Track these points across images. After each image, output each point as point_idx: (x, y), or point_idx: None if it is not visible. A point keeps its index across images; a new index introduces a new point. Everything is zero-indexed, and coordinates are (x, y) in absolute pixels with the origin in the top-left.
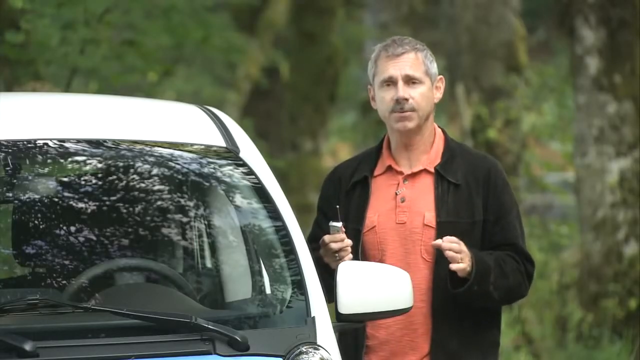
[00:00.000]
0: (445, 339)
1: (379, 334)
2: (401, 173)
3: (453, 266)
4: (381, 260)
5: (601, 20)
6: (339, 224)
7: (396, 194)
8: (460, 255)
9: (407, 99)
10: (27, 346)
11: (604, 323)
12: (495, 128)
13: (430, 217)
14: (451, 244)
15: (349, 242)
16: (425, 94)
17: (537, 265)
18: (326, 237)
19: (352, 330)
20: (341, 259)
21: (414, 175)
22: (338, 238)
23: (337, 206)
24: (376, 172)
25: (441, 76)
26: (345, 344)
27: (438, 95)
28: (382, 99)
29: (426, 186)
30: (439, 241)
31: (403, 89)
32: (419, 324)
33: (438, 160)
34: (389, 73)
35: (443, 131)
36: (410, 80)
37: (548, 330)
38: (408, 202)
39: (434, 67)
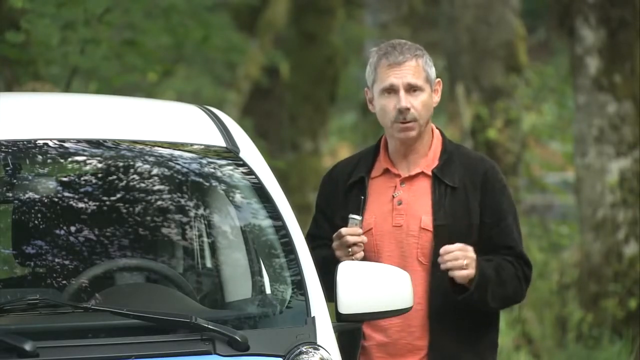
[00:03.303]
0: (443, 341)
1: (376, 336)
2: (398, 176)
3: (456, 273)
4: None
5: (601, 20)
6: (359, 217)
7: (393, 196)
8: (464, 261)
9: (409, 109)
10: (27, 346)
11: (604, 323)
12: (495, 128)
13: (427, 220)
14: (455, 252)
15: (364, 238)
16: (425, 101)
17: (537, 265)
18: (343, 230)
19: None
20: (353, 254)
21: (411, 178)
22: (356, 232)
23: (362, 197)
24: (373, 174)
25: (439, 79)
26: (341, 343)
27: (436, 98)
28: (384, 108)
29: (423, 189)
30: (446, 248)
31: (405, 98)
32: (416, 326)
33: (435, 163)
34: (391, 81)
35: (441, 132)
36: (411, 89)
37: (548, 330)
38: (405, 205)
39: (433, 72)
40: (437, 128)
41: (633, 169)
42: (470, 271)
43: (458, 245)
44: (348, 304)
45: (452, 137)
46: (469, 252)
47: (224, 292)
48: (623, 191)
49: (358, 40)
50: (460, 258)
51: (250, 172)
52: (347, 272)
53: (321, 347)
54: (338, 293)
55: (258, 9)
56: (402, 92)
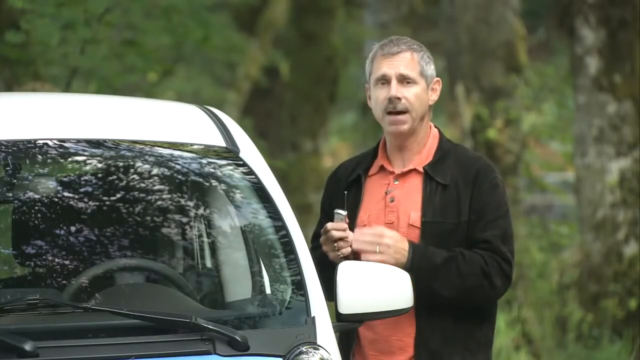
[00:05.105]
0: (430, 338)
1: (368, 334)
2: (392, 173)
3: (369, 257)
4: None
5: (601, 20)
6: (344, 212)
7: (386, 193)
8: (376, 247)
9: (399, 98)
10: (27, 346)
11: (604, 323)
12: (495, 128)
13: (416, 217)
14: (367, 236)
15: (350, 234)
16: (418, 94)
17: (537, 265)
18: (329, 224)
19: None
20: (339, 249)
21: (404, 175)
22: (341, 227)
23: (345, 192)
24: (370, 172)
25: (438, 79)
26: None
27: (434, 97)
28: (377, 98)
29: (415, 186)
30: (360, 230)
31: (396, 88)
32: (405, 323)
33: (429, 160)
34: (383, 71)
35: (439, 131)
36: (404, 80)
37: (548, 330)
38: (397, 202)
39: (430, 69)
40: (435, 127)
41: (633, 169)
42: (383, 257)
43: (375, 229)
44: (348, 304)
45: (452, 137)
46: (385, 238)
47: (224, 292)
48: (623, 191)
49: (358, 40)
50: (374, 243)
51: (250, 172)
52: (347, 272)
53: (321, 347)
54: (338, 293)
55: (258, 9)
56: (393, 82)
